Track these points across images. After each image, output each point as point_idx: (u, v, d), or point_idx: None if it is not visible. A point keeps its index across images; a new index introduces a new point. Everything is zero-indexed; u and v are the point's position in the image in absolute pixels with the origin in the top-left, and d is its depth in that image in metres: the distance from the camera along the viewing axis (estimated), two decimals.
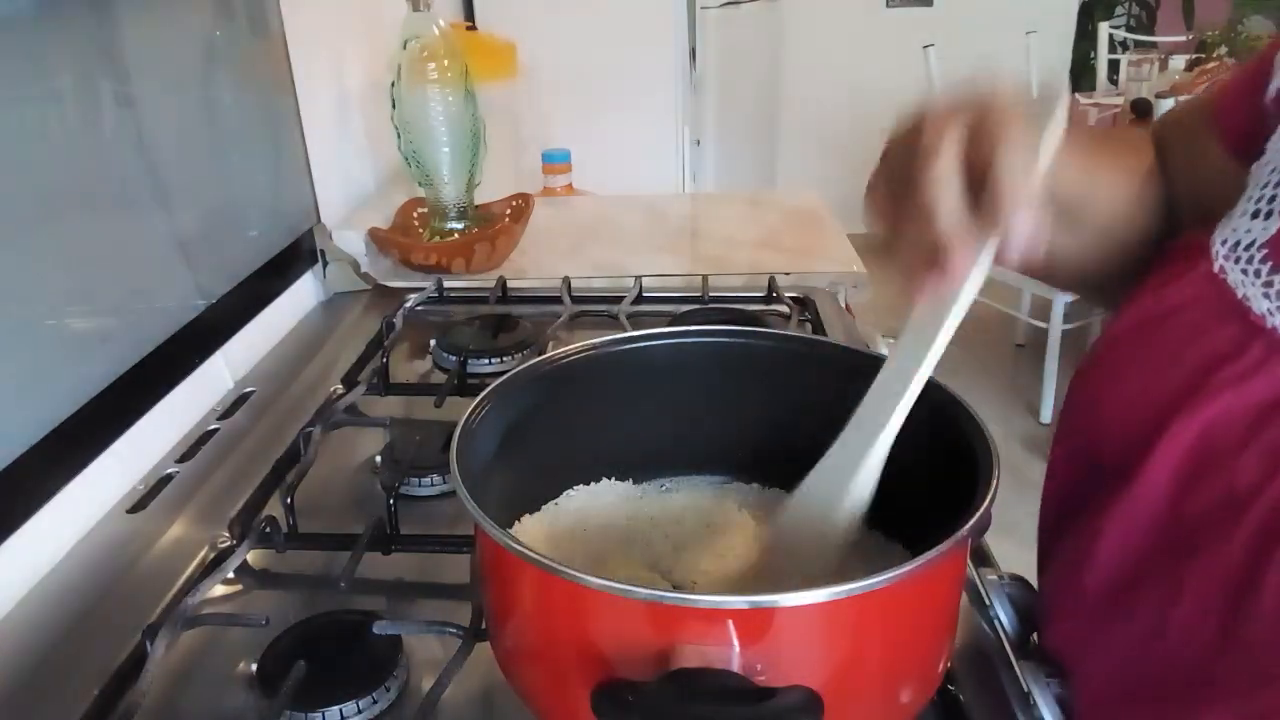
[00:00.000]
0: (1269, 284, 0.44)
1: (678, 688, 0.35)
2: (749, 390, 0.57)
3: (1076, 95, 3.05)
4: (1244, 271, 0.45)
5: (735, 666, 0.36)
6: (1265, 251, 0.45)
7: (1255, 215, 0.46)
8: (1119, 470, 0.47)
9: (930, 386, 0.50)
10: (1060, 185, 0.49)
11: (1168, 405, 0.45)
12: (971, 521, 0.40)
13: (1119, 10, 3.85)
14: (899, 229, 0.43)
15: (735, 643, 0.36)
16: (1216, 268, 0.47)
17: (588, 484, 0.58)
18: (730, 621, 0.36)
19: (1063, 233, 0.55)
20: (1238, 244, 0.46)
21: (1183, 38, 3.28)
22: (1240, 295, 0.45)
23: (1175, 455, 0.45)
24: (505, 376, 0.52)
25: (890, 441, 0.45)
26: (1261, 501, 0.41)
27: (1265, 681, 0.41)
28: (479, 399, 0.50)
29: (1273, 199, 0.46)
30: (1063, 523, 0.53)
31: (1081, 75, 3.57)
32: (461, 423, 0.48)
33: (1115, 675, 0.48)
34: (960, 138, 0.40)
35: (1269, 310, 0.43)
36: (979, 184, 0.40)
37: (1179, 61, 2.66)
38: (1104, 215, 0.55)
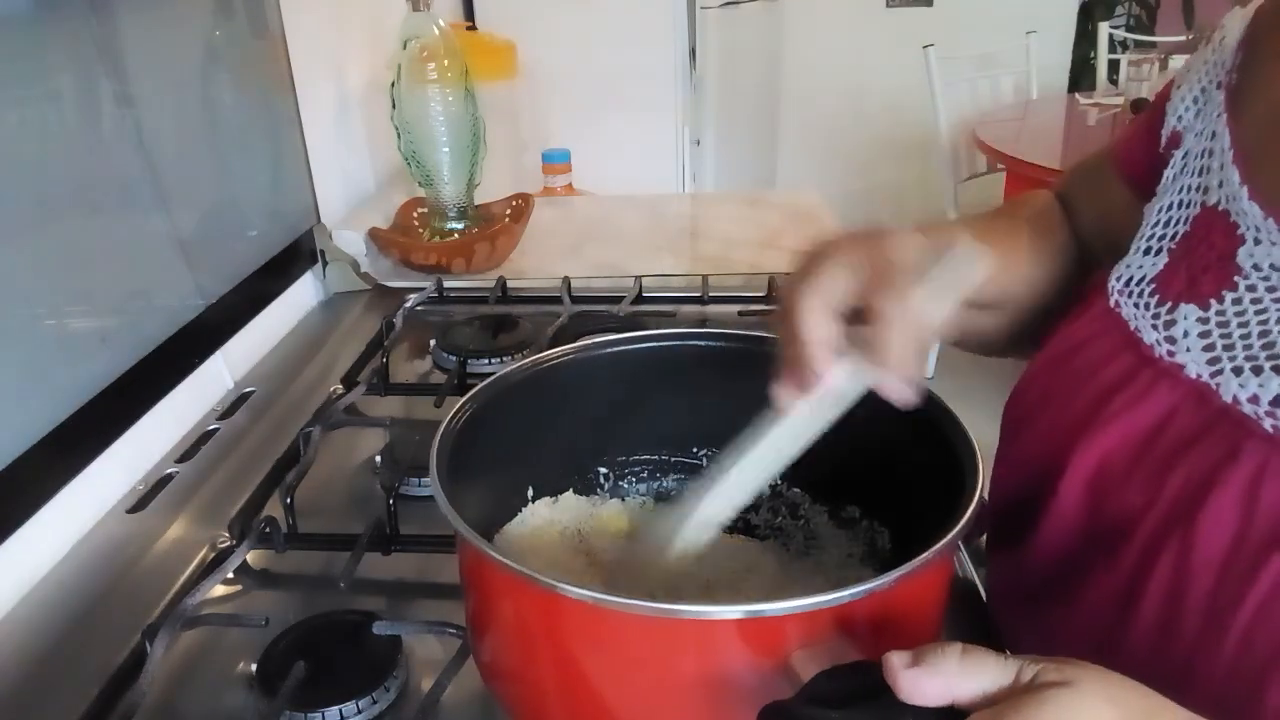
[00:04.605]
0: (1156, 316, 0.47)
1: (835, 688, 0.34)
2: (738, 393, 0.57)
3: (1077, 95, 3.05)
4: (1136, 305, 0.48)
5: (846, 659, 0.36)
6: (1154, 286, 0.48)
7: (1147, 252, 0.50)
8: (1039, 498, 0.49)
9: (922, 396, 0.50)
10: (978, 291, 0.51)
11: (1072, 436, 0.48)
12: (959, 525, 0.40)
13: (1119, 10, 3.84)
14: (780, 332, 0.45)
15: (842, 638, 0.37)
16: (1112, 302, 0.50)
17: (567, 489, 0.58)
18: (831, 618, 0.37)
19: (980, 320, 0.59)
20: (1130, 279, 0.50)
21: (1183, 38, 3.27)
22: (1133, 328, 0.48)
23: (1080, 484, 0.47)
24: (486, 381, 0.52)
25: (731, 506, 0.47)
26: (1147, 521, 0.43)
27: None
28: (459, 404, 0.49)
29: (1160, 237, 0.49)
30: (1000, 540, 0.56)
31: (1081, 75, 3.57)
32: (441, 429, 0.47)
33: None
34: (849, 270, 0.42)
35: (1156, 340, 0.46)
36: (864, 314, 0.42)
37: (1179, 61, 2.65)
38: (1018, 299, 0.58)
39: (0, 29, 0.62)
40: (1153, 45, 3.28)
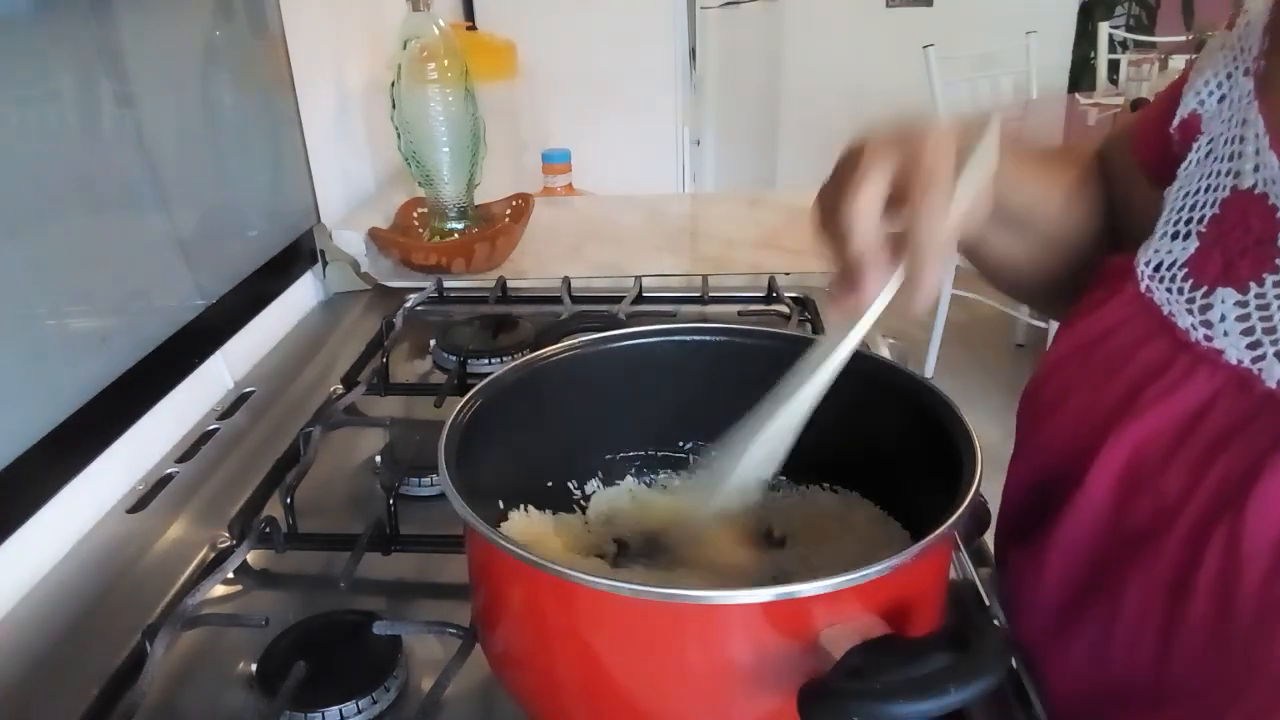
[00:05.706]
0: (1191, 300, 0.46)
1: (869, 662, 0.34)
2: (737, 388, 0.57)
3: (1077, 95, 3.05)
4: (1169, 290, 0.48)
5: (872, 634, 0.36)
6: (1186, 270, 0.47)
7: (1174, 237, 0.49)
8: (1063, 490, 0.49)
9: (924, 390, 0.51)
10: (1002, 197, 0.52)
11: (1103, 424, 0.47)
12: (973, 489, 0.41)
13: (1119, 10, 3.84)
14: (827, 242, 0.46)
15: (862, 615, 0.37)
16: (1143, 288, 0.49)
17: (575, 480, 0.58)
18: (855, 596, 0.37)
19: (1007, 239, 0.59)
20: (1160, 264, 0.49)
21: (1183, 38, 3.27)
22: (1167, 313, 0.47)
23: (1111, 473, 0.46)
24: (492, 375, 0.52)
25: (794, 424, 0.47)
26: (1188, 510, 0.43)
27: (1205, 688, 0.42)
28: (465, 399, 0.50)
29: (1188, 221, 0.49)
30: (1017, 537, 0.55)
31: (1081, 75, 3.57)
32: (448, 424, 0.47)
33: (1076, 679, 0.49)
34: (888, 173, 0.43)
35: (1192, 325, 0.45)
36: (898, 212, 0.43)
37: (1179, 61, 2.64)
38: (1043, 224, 0.58)
39: (0, 29, 0.62)
40: (1153, 45, 3.27)
